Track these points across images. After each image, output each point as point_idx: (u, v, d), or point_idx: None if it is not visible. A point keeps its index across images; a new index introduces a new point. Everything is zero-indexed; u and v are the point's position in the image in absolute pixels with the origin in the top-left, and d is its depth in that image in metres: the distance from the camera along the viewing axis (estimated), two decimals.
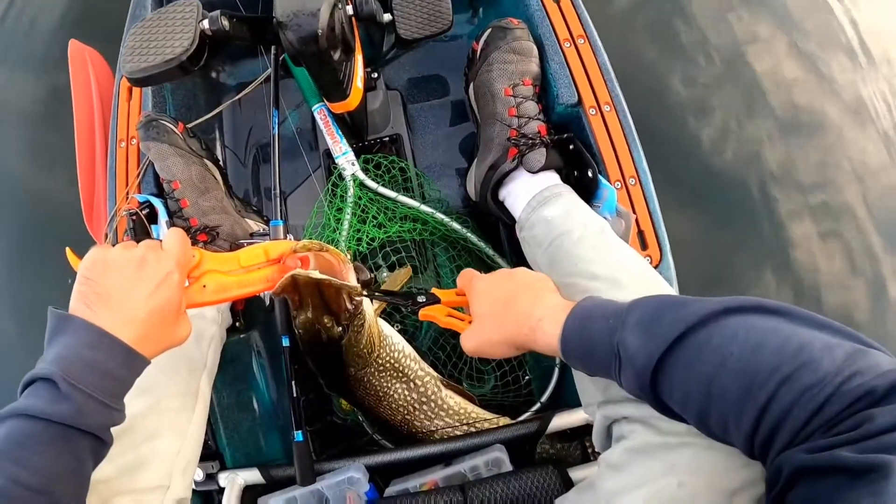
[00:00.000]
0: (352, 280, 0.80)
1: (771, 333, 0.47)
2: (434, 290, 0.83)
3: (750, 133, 1.68)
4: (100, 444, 0.59)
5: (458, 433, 0.98)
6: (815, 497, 0.40)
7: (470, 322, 0.77)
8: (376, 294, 0.88)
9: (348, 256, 0.85)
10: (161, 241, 0.67)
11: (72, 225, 1.53)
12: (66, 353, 0.56)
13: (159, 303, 0.62)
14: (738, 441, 0.48)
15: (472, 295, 0.78)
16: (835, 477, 0.39)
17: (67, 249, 0.68)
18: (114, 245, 0.65)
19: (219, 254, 0.73)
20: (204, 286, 0.70)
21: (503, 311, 0.72)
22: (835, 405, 0.41)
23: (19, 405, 0.54)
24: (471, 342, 0.74)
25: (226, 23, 0.90)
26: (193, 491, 0.98)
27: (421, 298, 0.84)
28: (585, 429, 0.97)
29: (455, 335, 1.11)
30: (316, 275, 0.75)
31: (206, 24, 0.89)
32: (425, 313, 0.83)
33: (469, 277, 0.80)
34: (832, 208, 1.62)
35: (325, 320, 0.84)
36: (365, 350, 0.89)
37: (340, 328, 0.85)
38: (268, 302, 1.06)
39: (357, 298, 0.83)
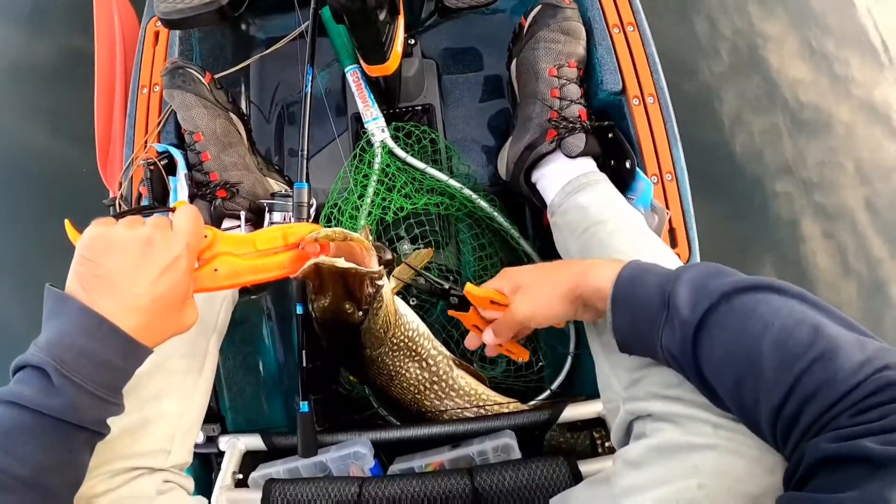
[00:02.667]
0: (374, 265, 0.77)
1: (809, 316, 0.49)
2: (468, 288, 0.79)
3: (762, 127, 1.69)
4: (96, 436, 0.56)
5: (468, 415, 0.97)
6: (837, 485, 0.40)
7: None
8: (411, 283, 0.87)
9: (368, 232, 0.82)
10: (170, 218, 0.61)
11: (81, 190, 1.49)
12: (61, 339, 0.52)
13: (165, 289, 0.57)
14: (764, 413, 0.48)
15: (508, 278, 0.76)
16: (858, 466, 0.40)
17: (66, 222, 0.60)
18: (116, 214, 0.60)
19: (233, 235, 0.68)
20: (215, 270, 0.65)
21: (552, 271, 0.72)
22: (863, 389, 0.42)
23: (8, 391, 0.50)
24: (524, 308, 0.72)
25: None
26: (193, 454, 0.96)
27: (454, 298, 0.82)
28: (595, 420, 0.96)
29: None
30: (341, 263, 0.72)
31: None
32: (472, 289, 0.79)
33: (496, 280, 0.78)
34: (839, 208, 1.64)
35: (346, 306, 0.81)
36: (381, 330, 0.87)
37: (361, 313, 0.83)
38: None
39: (379, 282, 0.81)
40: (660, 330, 0.57)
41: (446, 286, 0.83)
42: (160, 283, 0.56)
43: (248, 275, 0.68)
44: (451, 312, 0.82)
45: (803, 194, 1.64)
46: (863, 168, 1.67)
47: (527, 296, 0.72)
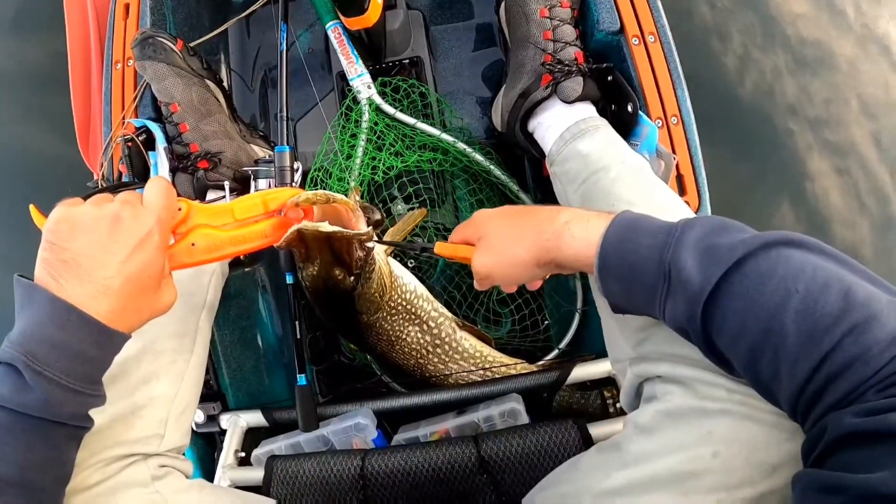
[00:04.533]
0: (362, 227, 0.73)
1: (835, 276, 0.43)
2: (438, 248, 0.73)
3: (767, 64, 1.65)
4: (79, 430, 0.54)
5: (474, 378, 0.94)
6: (864, 462, 0.37)
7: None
8: (386, 242, 0.82)
9: (357, 194, 0.78)
10: (141, 192, 0.58)
11: (65, 182, 1.51)
12: (31, 332, 0.49)
13: (137, 268, 0.53)
14: (785, 389, 0.44)
15: (474, 224, 0.69)
16: (888, 442, 0.36)
17: (31, 207, 0.57)
18: (85, 196, 0.56)
19: (209, 206, 0.65)
20: (193, 244, 0.62)
21: (519, 223, 0.63)
22: (894, 365, 0.38)
23: None
24: (484, 264, 0.65)
25: None
26: (195, 433, 0.95)
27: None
28: (606, 379, 0.92)
29: (470, 274, 1.05)
30: (325, 227, 0.69)
31: None
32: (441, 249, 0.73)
33: (465, 225, 0.71)
34: (847, 143, 1.61)
35: (336, 272, 0.78)
36: (376, 295, 0.84)
37: (352, 278, 0.79)
38: None
39: (369, 245, 0.77)
40: (661, 301, 0.51)
41: (418, 249, 0.79)
42: (131, 263, 0.53)
43: (229, 247, 0.65)
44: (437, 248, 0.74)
45: (811, 132, 1.60)
46: (868, 103, 1.63)
47: (487, 252, 0.66)
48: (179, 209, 0.61)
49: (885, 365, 0.38)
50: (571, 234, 0.58)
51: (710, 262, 0.47)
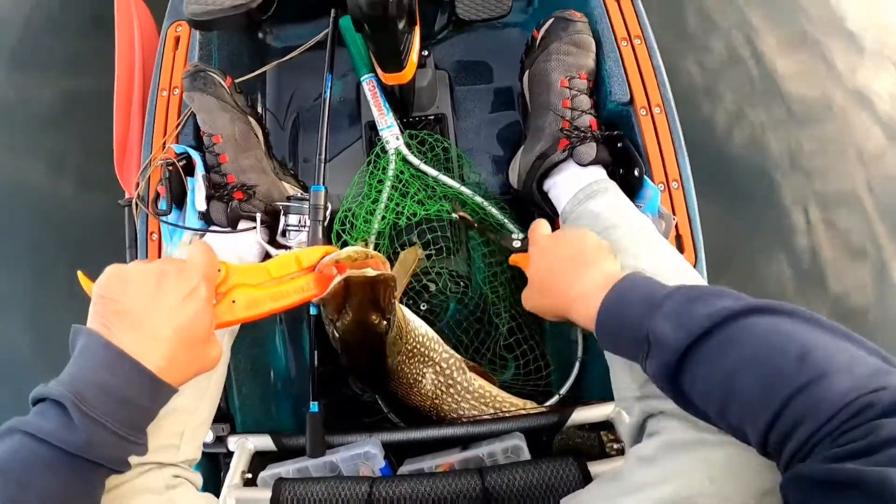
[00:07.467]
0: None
1: (796, 340, 0.47)
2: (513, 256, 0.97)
3: (756, 119, 1.72)
4: (114, 473, 0.55)
5: (487, 416, 0.97)
6: None
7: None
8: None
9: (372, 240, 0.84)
10: (183, 257, 0.62)
11: (89, 229, 1.62)
12: (82, 374, 0.51)
13: (186, 319, 0.56)
14: (752, 439, 0.48)
15: (532, 251, 0.86)
16: (844, 491, 0.38)
17: (79, 273, 0.60)
18: (130, 263, 0.60)
19: (246, 266, 0.69)
20: (233, 302, 0.65)
21: (549, 283, 0.78)
22: (845, 414, 0.41)
23: (27, 422, 0.50)
24: (527, 304, 0.85)
25: None
26: (202, 452, 0.96)
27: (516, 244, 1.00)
28: (604, 423, 0.96)
29: (478, 320, 1.12)
30: (371, 272, 0.73)
31: None
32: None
33: (536, 227, 0.87)
34: (837, 195, 1.67)
35: (373, 317, 0.81)
36: (396, 336, 0.87)
37: (386, 322, 0.83)
38: None
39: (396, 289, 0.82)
40: (644, 361, 0.58)
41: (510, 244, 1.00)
42: (181, 313, 0.56)
43: (269, 303, 0.69)
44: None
45: (804, 184, 1.67)
46: (857, 154, 1.71)
47: (528, 294, 0.85)
48: (219, 270, 0.65)
49: (835, 415, 0.41)
50: (578, 311, 0.70)
51: (682, 331, 0.53)
